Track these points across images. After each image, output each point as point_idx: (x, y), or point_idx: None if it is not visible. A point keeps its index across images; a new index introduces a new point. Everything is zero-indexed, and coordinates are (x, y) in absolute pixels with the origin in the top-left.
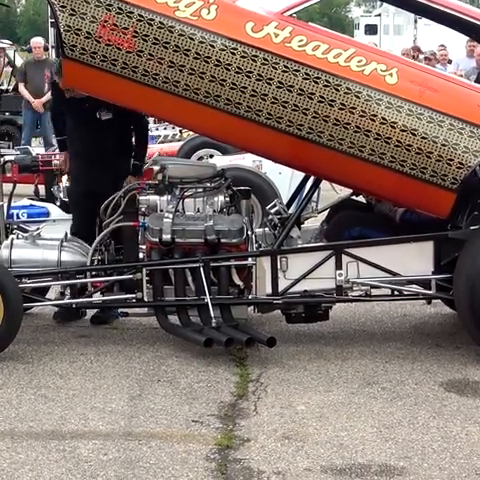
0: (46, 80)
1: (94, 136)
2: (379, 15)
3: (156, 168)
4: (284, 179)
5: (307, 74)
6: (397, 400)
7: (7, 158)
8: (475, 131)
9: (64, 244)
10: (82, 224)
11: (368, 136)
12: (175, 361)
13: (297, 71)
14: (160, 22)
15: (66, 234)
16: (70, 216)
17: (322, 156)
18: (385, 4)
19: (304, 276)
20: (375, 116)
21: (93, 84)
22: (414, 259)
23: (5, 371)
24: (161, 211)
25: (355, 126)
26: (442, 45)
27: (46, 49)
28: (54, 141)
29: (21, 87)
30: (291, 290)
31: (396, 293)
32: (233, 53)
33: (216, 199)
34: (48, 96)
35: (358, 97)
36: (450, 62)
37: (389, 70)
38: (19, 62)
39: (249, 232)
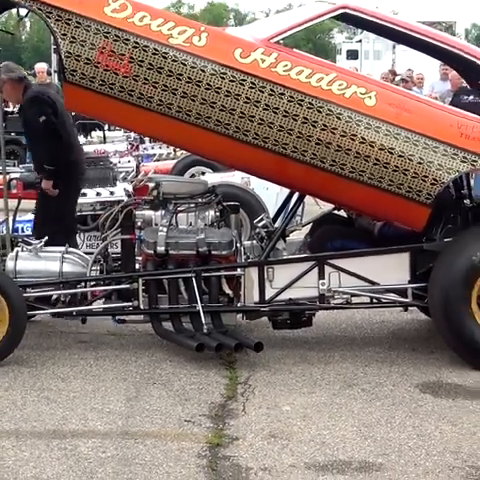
0: None
1: None
2: (360, 41)
3: (151, 185)
4: (271, 195)
5: (291, 97)
6: (376, 401)
7: (12, 176)
8: (448, 150)
9: (65, 256)
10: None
11: (348, 155)
12: (169, 365)
13: (282, 94)
14: (154, 48)
15: (67, 246)
16: None
17: (306, 173)
18: (365, 31)
19: (289, 285)
20: (355, 136)
21: (92, 107)
22: (392, 269)
23: (10, 374)
24: (156, 225)
25: (336, 145)
26: (410, 69)
27: (49, 74)
28: None
29: None
30: (277, 298)
31: (375, 301)
32: (222, 77)
33: (207, 213)
34: None
35: (339, 118)
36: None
37: (368, 93)
38: None
39: (238, 244)
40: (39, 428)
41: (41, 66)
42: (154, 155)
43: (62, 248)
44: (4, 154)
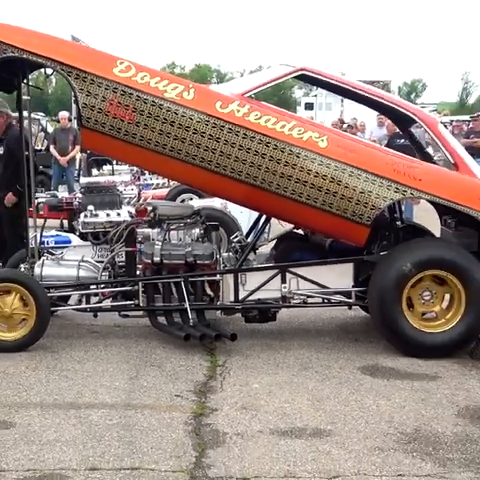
0: (70, 143)
1: None
2: (315, 95)
3: (150, 208)
4: (244, 216)
5: (261, 140)
6: (326, 380)
7: (40, 200)
8: (384, 182)
9: (81, 264)
10: None
11: (305, 185)
12: (162, 351)
13: (253, 137)
14: (153, 101)
15: (83, 256)
16: (87, 243)
17: (271, 200)
18: (319, 88)
19: (258, 288)
20: (310, 171)
21: (103, 146)
22: (339, 276)
23: (37, 358)
24: (153, 240)
25: (296, 178)
26: (355, 118)
27: (70, 120)
28: (75, 187)
29: (51, 148)
30: (248, 299)
31: (326, 301)
32: (206, 124)
33: (193, 231)
34: (71, 154)
35: (298, 157)
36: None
37: (321, 137)
38: (50, 129)
39: (218, 256)
40: (59, 400)
41: (63, 114)
42: (152, 184)
43: (79, 257)
44: (34, 183)
